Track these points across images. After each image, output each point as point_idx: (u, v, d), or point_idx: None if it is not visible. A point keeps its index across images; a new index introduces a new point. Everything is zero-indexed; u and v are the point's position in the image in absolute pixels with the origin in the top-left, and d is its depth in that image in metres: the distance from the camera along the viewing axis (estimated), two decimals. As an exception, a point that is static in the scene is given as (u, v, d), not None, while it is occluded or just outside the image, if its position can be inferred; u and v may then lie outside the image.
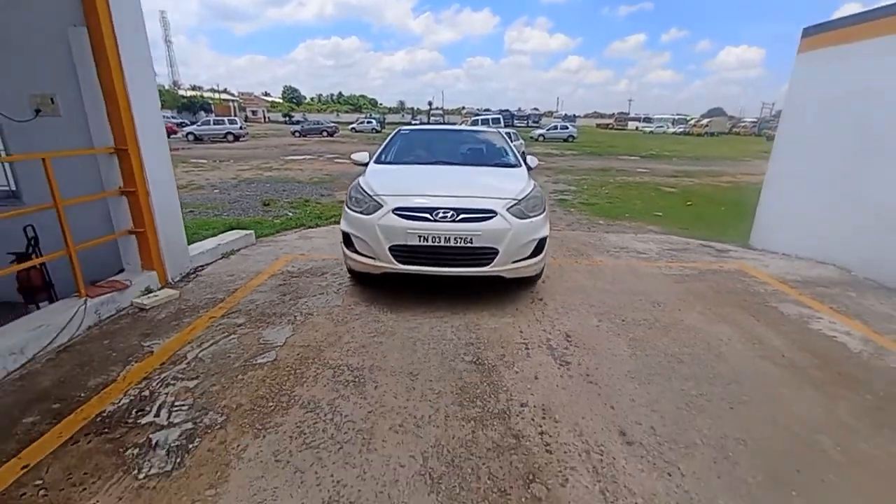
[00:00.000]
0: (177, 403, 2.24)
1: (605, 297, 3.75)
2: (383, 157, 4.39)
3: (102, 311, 3.14)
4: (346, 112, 79.01)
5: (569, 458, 1.95)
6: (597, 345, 2.95)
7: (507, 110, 51.45)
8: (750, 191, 6.30)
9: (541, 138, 34.09)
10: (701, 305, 3.64)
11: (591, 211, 8.49)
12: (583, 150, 26.04)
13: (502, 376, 2.56)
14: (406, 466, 1.88)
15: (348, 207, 3.46)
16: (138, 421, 2.11)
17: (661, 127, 55.15)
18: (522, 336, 3.04)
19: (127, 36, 3.29)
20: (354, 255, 3.38)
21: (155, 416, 2.14)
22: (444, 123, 28.08)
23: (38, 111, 3.40)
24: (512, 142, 4.95)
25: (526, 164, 4.33)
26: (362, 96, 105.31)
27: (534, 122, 53.71)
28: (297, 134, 35.21)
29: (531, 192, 3.51)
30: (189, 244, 4.30)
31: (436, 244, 3.13)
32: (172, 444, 1.96)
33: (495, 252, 3.18)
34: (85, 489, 1.73)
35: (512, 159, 4.42)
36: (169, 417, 2.14)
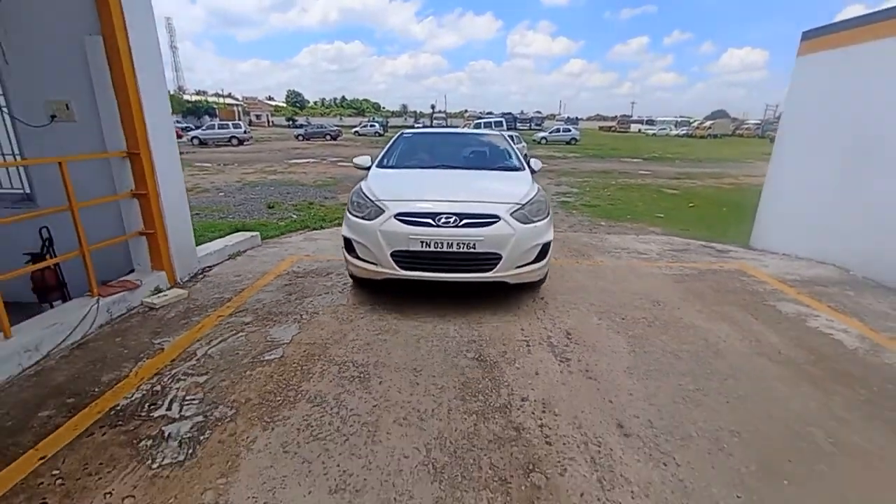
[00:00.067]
0: (188, 398, 2.32)
1: (606, 297, 3.81)
2: (385, 161, 4.39)
3: (114, 309, 3.22)
4: (350, 116, 79.43)
5: (567, 450, 2.01)
6: (596, 342, 3.01)
7: (510, 113, 51.62)
8: (752, 192, 6.34)
9: (543, 141, 34.19)
10: (700, 304, 3.69)
11: (593, 213, 8.55)
12: (585, 152, 26.11)
13: (504, 372, 2.62)
14: (410, 457, 1.94)
15: (350, 212, 3.43)
16: (151, 414, 2.19)
17: (664, 129, 55.18)
18: (524, 334, 3.10)
19: (140, 44, 3.40)
20: (356, 261, 3.36)
21: (167, 410, 2.22)
22: (446, 127, 28.18)
23: (53, 116, 3.51)
24: (514, 145, 5.00)
25: (529, 167, 4.31)
26: (365, 100, 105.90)
27: (536, 125, 53.89)
28: (300, 138, 35.50)
29: (535, 196, 3.49)
30: (196, 245, 4.40)
31: (438, 250, 3.10)
32: (184, 436, 2.03)
33: (498, 257, 3.16)
34: (101, 478, 1.80)
35: (515, 162, 4.40)
36: (180, 411, 2.21)
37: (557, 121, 58.89)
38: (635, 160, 21.52)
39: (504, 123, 30.77)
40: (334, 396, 2.36)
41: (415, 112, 78.23)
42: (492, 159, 4.61)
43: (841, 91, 4.78)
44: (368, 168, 4.22)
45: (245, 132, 30.29)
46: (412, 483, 1.80)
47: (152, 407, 2.24)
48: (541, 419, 2.21)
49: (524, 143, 19.17)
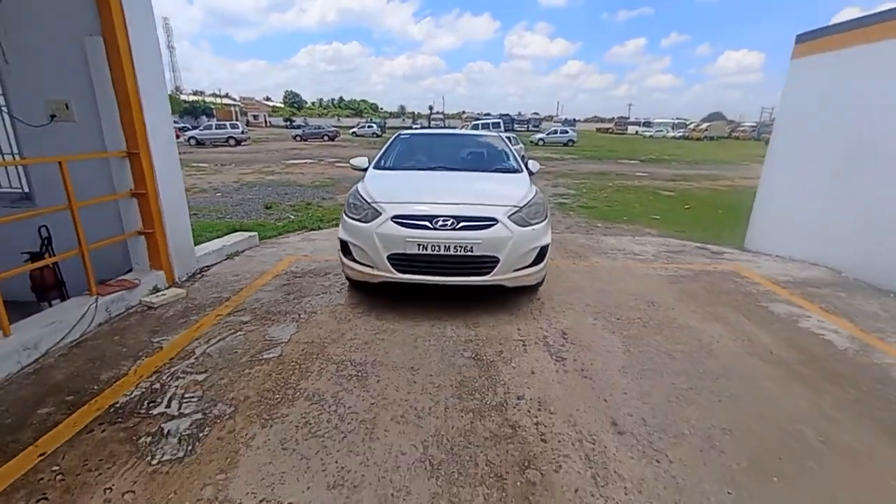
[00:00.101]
0: (187, 395, 2.34)
1: (601, 297, 3.85)
2: (382, 162, 4.35)
3: (112, 308, 3.24)
4: (347, 117, 79.46)
5: (562, 447, 2.04)
6: (592, 342, 3.04)
7: (507, 115, 51.69)
8: (747, 194, 6.41)
9: (541, 142, 34.31)
10: (694, 305, 3.73)
11: (590, 214, 8.60)
12: (582, 154, 26.22)
13: (500, 371, 2.65)
14: (407, 454, 1.97)
15: (346, 215, 3.40)
16: (150, 411, 2.21)
17: (661, 131, 55.44)
18: (520, 333, 3.14)
19: (140, 45, 3.42)
20: (352, 264, 3.33)
21: (166, 407, 2.24)
22: (444, 128, 28.24)
23: (53, 116, 3.52)
24: (512, 146, 5.01)
25: (527, 168, 4.31)
26: (363, 101, 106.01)
27: (534, 126, 54.07)
28: (298, 138, 35.46)
29: (533, 198, 3.47)
30: (194, 245, 4.41)
31: (435, 253, 3.08)
32: (183, 433, 2.05)
33: (496, 261, 3.14)
34: (101, 474, 1.82)
35: (513, 164, 4.39)
36: (180, 408, 2.23)
37: (555, 122, 59.12)
38: (632, 162, 21.63)
39: (502, 125, 30.82)
40: (332, 395, 2.38)
41: (412, 113, 78.34)
42: (489, 161, 4.59)
43: (834, 94, 4.84)
44: (365, 169, 4.19)
45: (242, 132, 30.23)
46: (409, 479, 1.83)
47: (151, 404, 2.26)
48: (536, 417, 2.24)
49: (521, 145, 19.21)
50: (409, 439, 2.06)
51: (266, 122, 69.43)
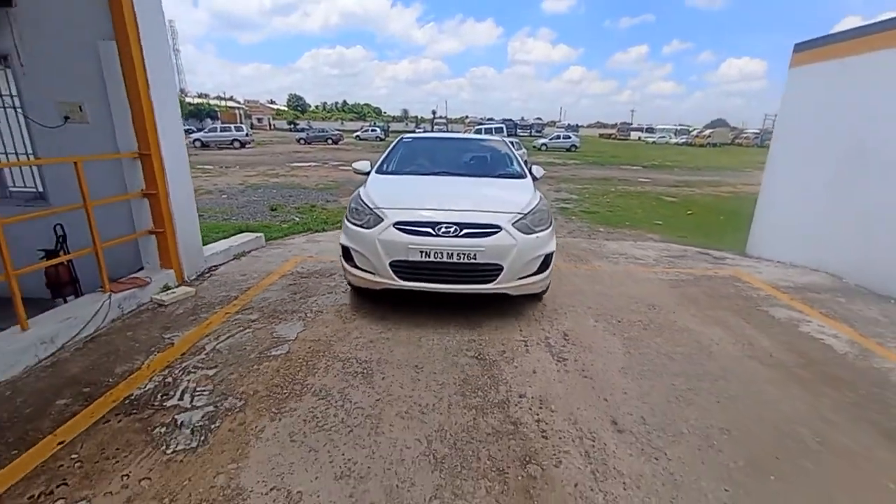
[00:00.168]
0: (198, 389, 2.41)
1: (603, 300, 3.90)
2: (385, 166, 4.31)
3: (125, 305, 3.32)
4: (351, 120, 79.84)
5: (563, 443, 2.09)
6: (593, 343, 3.10)
7: (510, 120, 51.96)
8: (750, 201, 6.46)
9: (543, 148, 34.42)
10: (694, 308, 3.78)
11: (592, 219, 8.66)
12: (585, 159, 26.30)
13: (502, 370, 2.71)
14: (412, 448, 2.03)
15: (348, 220, 3.38)
16: (164, 404, 2.28)
17: (664, 137, 55.51)
18: (522, 334, 3.19)
19: (152, 49, 3.52)
20: (354, 270, 3.30)
21: (179, 400, 2.31)
22: (447, 132, 28.39)
23: (66, 118, 3.61)
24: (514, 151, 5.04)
25: (531, 174, 4.26)
26: (366, 105, 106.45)
27: (536, 131, 54.18)
28: (301, 141, 35.75)
29: (537, 205, 3.43)
30: (202, 245, 4.49)
31: (438, 260, 3.04)
32: (196, 425, 2.12)
33: (500, 269, 3.10)
34: (118, 462, 1.89)
35: (517, 169, 4.35)
36: (192, 401, 2.30)
37: (558, 127, 59.24)
38: (635, 168, 21.69)
39: (504, 130, 30.94)
40: (339, 390, 2.44)
41: (416, 117, 78.63)
42: (493, 166, 4.57)
43: (832, 102, 4.90)
44: (368, 173, 4.15)
45: (247, 135, 30.50)
46: (414, 471, 1.89)
47: (165, 397, 2.33)
48: (537, 415, 2.30)
49: (524, 150, 19.30)
50: (414, 434, 2.12)
51: (270, 125, 69.93)
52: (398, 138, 5.02)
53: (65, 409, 2.22)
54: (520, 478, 1.88)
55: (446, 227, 3.09)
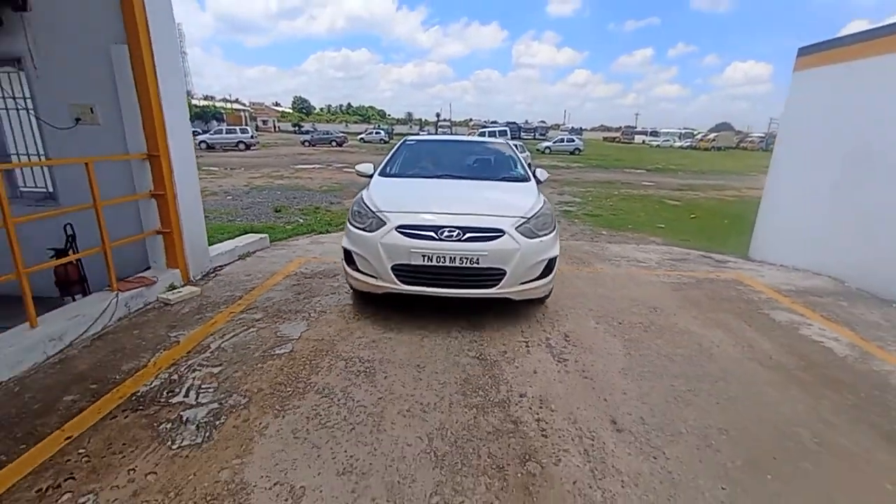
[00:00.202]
0: (203, 386, 2.45)
1: (604, 302, 3.92)
2: (388, 169, 4.28)
3: (132, 304, 3.37)
4: (355, 123, 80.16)
5: (562, 442, 2.12)
6: (593, 344, 3.12)
7: (514, 123, 51.98)
8: (753, 204, 6.45)
9: (547, 151, 34.46)
10: (696, 311, 3.79)
11: (595, 222, 8.68)
12: (589, 162, 26.31)
13: (503, 370, 2.74)
14: (413, 445, 2.06)
15: (351, 223, 3.37)
16: (170, 400, 2.32)
17: (668, 141, 55.45)
18: (523, 335, 3.22)
19: (162, 53, 3.59)
20: (356, 274, 3.28)
21: (184, 397, 2.35)
22: (451, 134, 28.50)
23: (78, 119, 3.68)
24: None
25: (535, 177, 4.24)
26: (371, 107, 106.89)
27: (540, 134, 54.26)
28: (306, 143, 35.95)
29: (541, 209, 3.40)
30: (208, 246, 4.54)
31: (440, 264, 3.02)
32: (201, 421, 2.16)
33: (503, 273, 3.08)
34: (124, 457, 1.93)
35: (521, 172, 4.32)
36: (197, 398, 2.34)
37: (562, 131, 59.33)
38: (638, 171, 21.67)
39: (508, 132, 30.98)
40: (341, 389, 2.48)
41: (420, 120, 78.91)
42: (497, 168, 4.55)
43: (837, 106, 4.91)
44: (371, 176, 4.14)
45: (252, 137, 30.73)
46: (415, 468, 1.92)
47: (170, 394, 2.37)
48: (537, 414, 2.32)
49: (528, 153, 19.35)
50: (415, 432, 2.15)
51: (275, 127, 70.43)
52: (401, 140, 5.01)
53: (72, 405, 2.27)
54: (519, 475, 1.90)
55: (449, 231, 3.07)
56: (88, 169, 3.08)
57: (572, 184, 15.31)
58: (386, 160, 4.44)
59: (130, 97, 3.55)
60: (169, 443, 2.00)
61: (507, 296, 3.19)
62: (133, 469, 1.85)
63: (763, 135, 59.34)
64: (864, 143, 4.56)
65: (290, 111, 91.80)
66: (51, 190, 4.06)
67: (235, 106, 73.06)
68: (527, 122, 65.06)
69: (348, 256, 3.34)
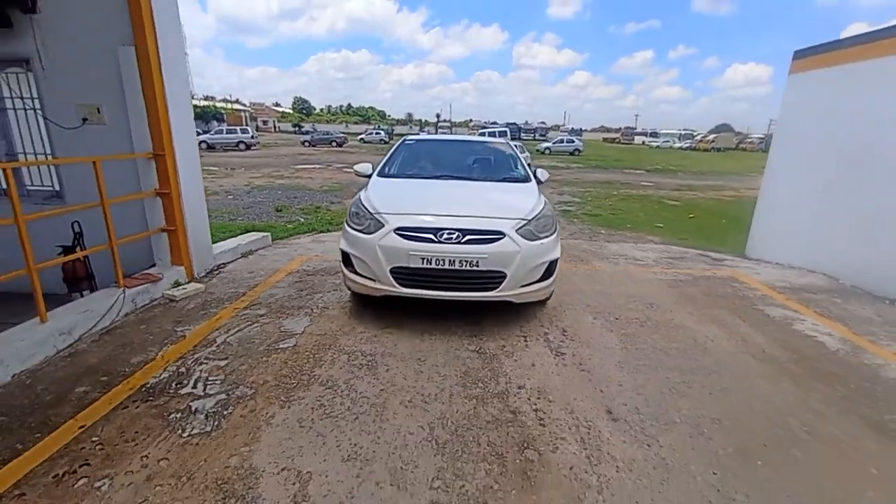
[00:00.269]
0: (210, 378, 2.52)
1: (602, 299, 3.99)
2: (387, 169, 4.22)
3: (138, 300, 3.44)
4: (356, 123, 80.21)
5: (559, 431, 2.19)
6: (590, 339, 3.19)
7: (514, 123, 52.05)
8: (751, 204, 6.52)
9: (547, 151, 34.54)
10: (691, 307, 3.86)
11: (594, 222, 8.75)
12: (588, 163, 26.39)
13: (502, 363, 2.81)
14: (415, 434, 2.12)
15: (348, 225, 3.33)
16: (178, 391, 2.39)
17: (668, 142, 55.58)
18: (522, 330, 3.29)
19: (168, 54, 3.66)
20: (354, 276, 3.25)
21: (193, 388, 2.42)
22: (451, 134, 28.54)
23: (84, 119, 3.75)
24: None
25: (536, 177, 4.18)
26: (371, 108, 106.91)
27: (540, 135, 54.37)
28: (306, 144, 36.02)
29: (542, 210, 3.37)
30: (212, 244, 4.61)
31: (440, 267, 2.97)
32: (210, 411, 2.23)
33: (503, 276, 3.04)
34: (137, 444, 2.00)
35: (521, 172, 4.27)
36: (205, 389, 2.41)
37: (562, 132, 59.39)
38: (638, 171, 21.76)
39: (508, 133, 30.99)
40: (345, 381, 2.54)
41: (420, 120, 79.04)
42: (497, 169, 4.49)
43: (832, 108, 4.98)
44: (369, 176, 4.09)
45: (252, 137, 30.81)
46: (417, 455, 1.99)
47: (179, 385, 2.44)
48: (535, 404, 2.39)
49: (528, 154, 19.42)
50: (417, 421, 2.21)
51: (275, 127, 70.54)
52: (401, 140, 4.98)
53: (84, 396, 2.34)
54: (518, 461, 1.97)
55: (448, 234, 3.02)
56: (96, 167, 3.15)
57: (572, 184, 15.38)
58: (384, 160, 4.40)
59: (136, 97, 3.62)
60: (179, 431, 2.07)
61: (507, 299, 3.16)
62: (146, 456, 1.92)
63: (762, 136, 59.40)
64: (863, 146, 4.60)
65: (291, 112, 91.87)
66: (57, 188, 4.12)
67: (236, 106, 73.08)
68: (527, 122, 65.18)
69: (346, 259, 3.29)
